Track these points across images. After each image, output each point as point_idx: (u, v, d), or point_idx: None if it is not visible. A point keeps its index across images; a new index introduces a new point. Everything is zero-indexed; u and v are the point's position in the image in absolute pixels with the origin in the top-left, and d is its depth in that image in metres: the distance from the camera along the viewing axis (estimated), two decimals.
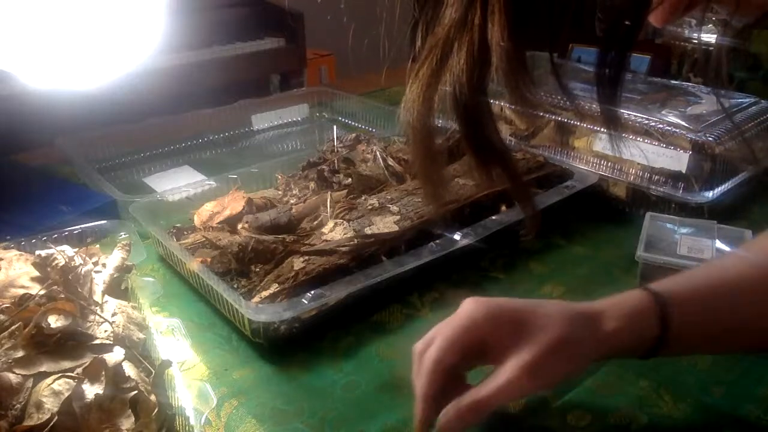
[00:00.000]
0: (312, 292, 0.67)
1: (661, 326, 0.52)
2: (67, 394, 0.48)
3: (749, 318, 0.55)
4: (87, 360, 0.52)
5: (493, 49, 0.34)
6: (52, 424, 0.47)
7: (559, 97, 1.08)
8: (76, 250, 0.66)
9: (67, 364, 0.51)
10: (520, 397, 0.53)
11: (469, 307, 0.53)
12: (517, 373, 0.48)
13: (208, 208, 0.87)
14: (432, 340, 0.53)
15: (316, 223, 0.82)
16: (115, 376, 0.51)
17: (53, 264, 0.62)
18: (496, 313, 0.52)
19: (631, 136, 0.97)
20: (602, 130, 0.99)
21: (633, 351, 0.54)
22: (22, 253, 0.66)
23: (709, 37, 1.32)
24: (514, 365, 0.49)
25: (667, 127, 0.95)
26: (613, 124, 0.42)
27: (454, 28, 0.35)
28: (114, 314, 0.59)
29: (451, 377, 0.52)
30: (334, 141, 1.07)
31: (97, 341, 0.54)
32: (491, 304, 0.53)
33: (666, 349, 0.53)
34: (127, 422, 0.49)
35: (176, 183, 0.97)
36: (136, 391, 0.51)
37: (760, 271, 0.55)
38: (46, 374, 0.50)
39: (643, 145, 0.94)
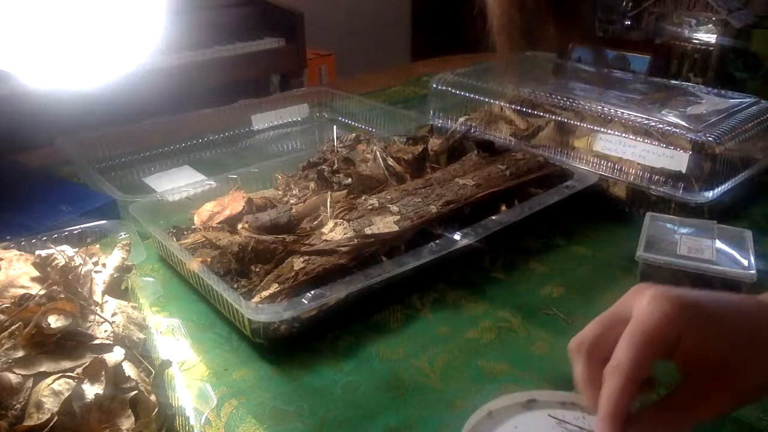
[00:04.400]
0: (312, 292, 0.67)
1: None
2: (67, 394, 0.48)
3: None
4: (87, 360, 0.52)
5: None
6: (52, 424, 0.47)
7: (559, 97, 1.08)
8: (76, 250, 0.66)
9: (67, 364, 0.51)
10: None
11: (660, 305, 0.42)
12: (727, 402, 0.43)
13: (208, 208, 0.87)
14: (602, 341, 0.44)
15: (316, 223, 0.82)
16: (115, 376, 0.51)
17: (53, 264, 0.62)
18: (697, 316, 0.42)
19: (631, 136, 0.97)
20: (603, 129, 0.99)
21: None
22: (22, 253, 0.66)
23: (710, 37, 1.32)
24: (724, 396, 0.43)
25: (667, 127, 0.95)
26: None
27: None
28: (114, 314, 0.59)
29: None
30: (334, 141, 1.07)
31: (97, 341, 0.54)
32: (687, 302, 0.42)
33: None
34: (127, 422, 0.49)
35: (176, 183, 0.97)
36: (136, 391, 0.51)
37: None
38: (46, 374, 0.50)
39: (643, 145, 0.94)
